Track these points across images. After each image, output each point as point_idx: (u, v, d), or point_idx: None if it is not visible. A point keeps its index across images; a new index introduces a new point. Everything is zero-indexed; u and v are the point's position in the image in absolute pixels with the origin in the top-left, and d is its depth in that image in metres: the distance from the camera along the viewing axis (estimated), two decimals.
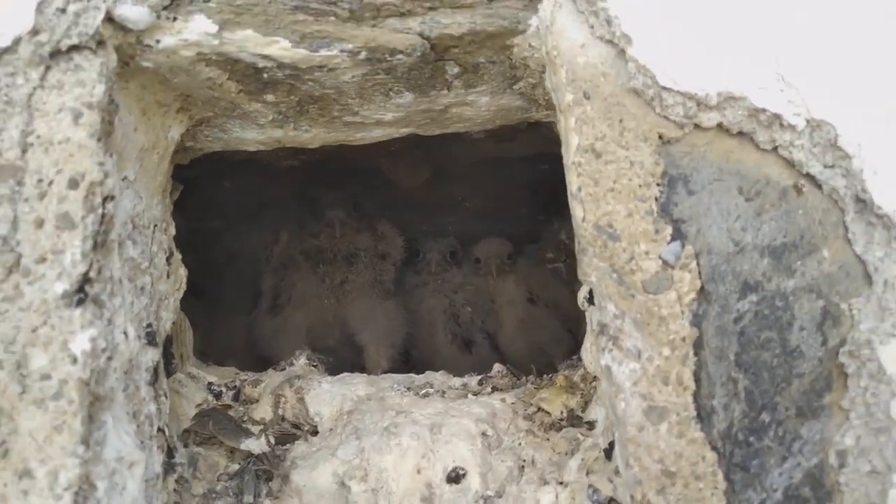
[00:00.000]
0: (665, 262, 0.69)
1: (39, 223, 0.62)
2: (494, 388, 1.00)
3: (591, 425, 0.87)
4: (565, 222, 1.84)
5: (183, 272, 0.90)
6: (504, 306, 1.74)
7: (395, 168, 1.58)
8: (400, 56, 0.76)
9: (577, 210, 0.69)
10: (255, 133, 0.89)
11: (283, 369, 1.13)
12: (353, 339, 1.59)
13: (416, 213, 1.76)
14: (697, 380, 0.67)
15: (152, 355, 0.79)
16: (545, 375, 1.05)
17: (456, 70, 0.82)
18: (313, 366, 1.16)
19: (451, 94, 0.87)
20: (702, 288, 0.69)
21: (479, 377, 1.05)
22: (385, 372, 1.51)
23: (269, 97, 0.81)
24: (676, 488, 0.65)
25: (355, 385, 1.03)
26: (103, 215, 0.64)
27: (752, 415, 0.67)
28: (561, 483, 0.82)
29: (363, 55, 0.75)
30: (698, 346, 0.68)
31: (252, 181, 1.57)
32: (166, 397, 0.84)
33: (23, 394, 0.61)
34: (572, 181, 0.70)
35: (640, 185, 0.69)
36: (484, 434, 0.89)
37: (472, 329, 1.73)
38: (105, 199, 0.64)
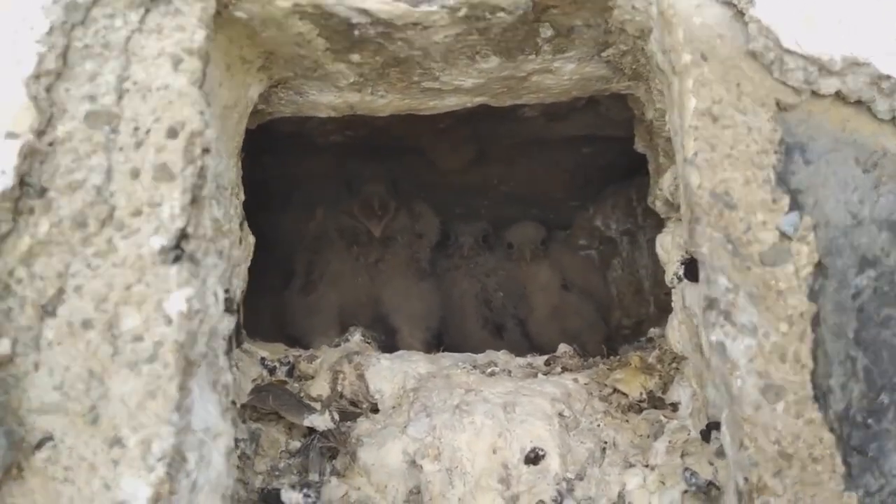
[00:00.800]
0: (783, 234, 0.66)
1: (135, 174, 0.59)
2: (564, 368, 0.97)
3: (674, 407, 0.84)
4: (601, 208, 1.83)
5: (252, 240, 0.87)
6: (536, 292, 1.72)
7: (440, 148, 1.54)
8: (501, 14, 0.72)
9: (692, 176, 0.66)
10: (331, 96, 0.85)
11: (338, 345, 1.09)
12: (387, 319, 1.56)
13: (451, 194, 1.73)
14: (815, 358, 0.64)
15: (229, 322, 0.75)
16: (612, 357, 1.02)
17: (549, 33, 0.78)
18: (367, 342, 1.13)
19: (538, 60, 0.84)
20: (819, 262, 0.66)
21: (546, 357, 1.02)
22: None
23: (355, 57, 0.77)
24: (793, 471, 0.62)
25: (415, 362, 1.00)
26: (202, 168, 0.60)
27: (870, 395, 0.65)
28: (647, 466, 0.79)
29: (463, 12, 0.71)
30: (816, 322, 0.65)
31: (289, 157, 1.53)
32: (238, 368, 0.81)
33: (114, 355, 0.57)
34: (687, 146, 0.66)
35: (757, 152, 0.66)
36: (561, 414, 0.86)
37: (503, 314, 1.71)
38: (203, 151, 0.60)
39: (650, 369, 0.91)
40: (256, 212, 1.66)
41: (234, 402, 0.78)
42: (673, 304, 0.86)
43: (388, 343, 1.53)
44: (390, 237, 1.54)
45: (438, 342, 1.64)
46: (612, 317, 1.78)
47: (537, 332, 1.70)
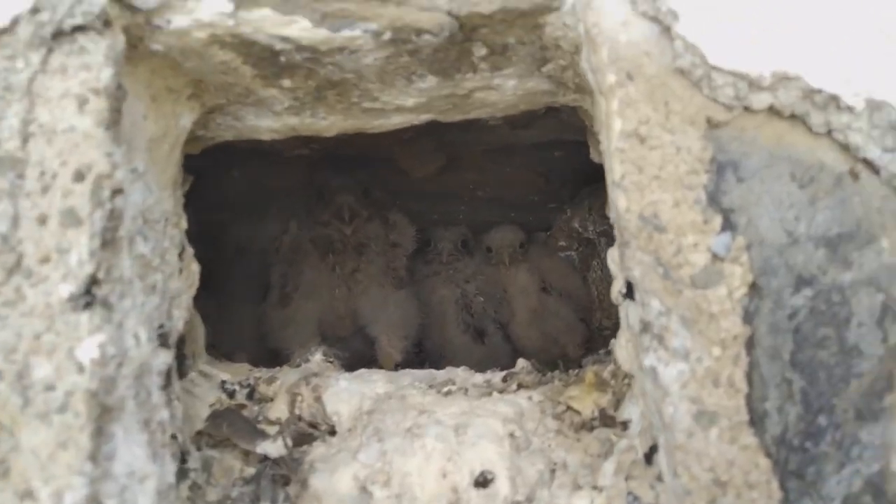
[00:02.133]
0: (715, 255, 0.64)
1: (42, 220, 0.58)
2: (520, 385, 0.96)
3: (624, 425, 0.83)
4: (578, 210, 1.82)
5: (195, 268, 0.86)
6: (516, 296, 1.72)
7: (408, 157, 1.53)
8: (426, 36, 0.70)
9: (619, 200, 0.65)
10: (269, 121, 0.84)
11: (299, 365, 1.08)
12: (365, 330, 1.55)
13: (427, 201, 1.73)
14: (750, 381, 0.63)
15: (164, 358, 0.74)
16: (571, 371, 1.00)
17: (483, 52, 0.77)
18: (329, 362, 1.12)
19: (477, 78, 0.82)
20: (753, 282, 0.64)
21: (503, 373, 1.00)
22: (398, 364, 1.47)
23: (286, 82, 0.76)
24: (728, 499, 0.61)
25: (374, 382, 0.99)
26: (112, 210, 0.59)
27: (807, 418, 0.63)
28: (595, 488, 0.78)
29: (387, 36, 0.70)
30: (750, 344, 0.64)
31: (261, 171, 1.53)
32: (179, 401, 0.80)
33: (25, 407, 0.57)
34: (615, 168, 0.65)
35: (687, 172, 0.65)
36: (512, 435, 0.85)
37: (484, 319, 1.71)
38: (114, 193, 0.59)
39: (604, 385, 0.89)
40: (231, 225, 1.66)
41: (174, 437, 0.77)
42: (620, 320, 0.84)
43: (370, 353, 1.53)
44: (364, 244, 1.54)
45: (419, 350, 1.64)
46: (592, 319, 1.78)
47: (518, 336, 1.70)
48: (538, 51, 0.79)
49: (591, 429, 0.85)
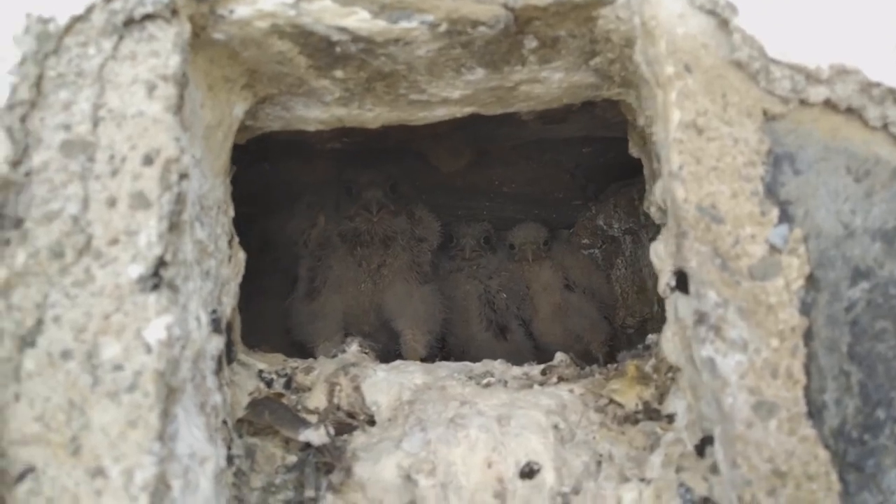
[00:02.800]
0: (773, 247, 0.64)
1: (112, 202, 0.58)
2: (560, 378, 0.96)
3: (670, 418, 0.83)
4: (603, 207, 1.82)
5: (242, 256, 0.86)
6: (539, 292, 1.72)
7: (438, 151, 1.54)
8: (482, 28, 0.71)
9: (677, 190, 0.65)
10: (318, 111, 0.85)
11: (335, 356, 1.09)
12: (390, 324, 1.56)
13: (451, 197, 1.73)
14: (808, 373, 0.63)
15: (217, 343, 0.75)
16: (610, 365, 1.01)
17: (534, 44, 0.77)
18: (364, 353, 1.12)
19: (525, 71, 0.82)
20: (810, 274, 0.65)
21: (542, 367, 1.01)
22: (423, 359, 1.48)
23: (339, 73, 0.76)
24: (788, 489, 0.61)
25: (411, 373, 0.99)
26: (179, 194, 0.60)
27: (866, 410, 0.63)
28: (643, 480, 0.78)
29: (443, 27, 0.70)
30: (808, 336, 0.64)
31: (290, 164, 1.53)
32: (228, 387, 0.80)
33: (95, 385, 0.57)
34: (672, 159, 0.65)
35: (744, 164, 0.65)
36: (556, 427, 0.85)
37: (507, 315, 1.71)
38: (181, 177, 0.60)
39: (646, 379, 0.89)
40: (258, 218, 1.66)
41: (224, 422, 0.78)
42: (667, 313, 0.85)
43: (394, 348, 1.53)
44: (391, 237, 1.54)
45: (442, 346, 1.64)
46: (616, 316, 1.78)
47: (541, 333, 1.70)
48: (588, 44, 0.79)
49: (636, 422, 0.85)
